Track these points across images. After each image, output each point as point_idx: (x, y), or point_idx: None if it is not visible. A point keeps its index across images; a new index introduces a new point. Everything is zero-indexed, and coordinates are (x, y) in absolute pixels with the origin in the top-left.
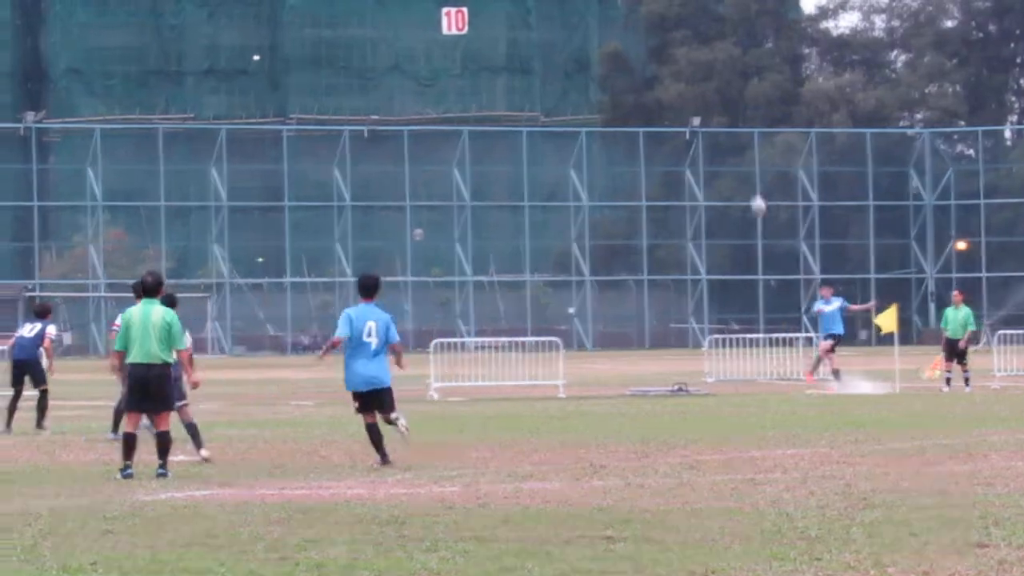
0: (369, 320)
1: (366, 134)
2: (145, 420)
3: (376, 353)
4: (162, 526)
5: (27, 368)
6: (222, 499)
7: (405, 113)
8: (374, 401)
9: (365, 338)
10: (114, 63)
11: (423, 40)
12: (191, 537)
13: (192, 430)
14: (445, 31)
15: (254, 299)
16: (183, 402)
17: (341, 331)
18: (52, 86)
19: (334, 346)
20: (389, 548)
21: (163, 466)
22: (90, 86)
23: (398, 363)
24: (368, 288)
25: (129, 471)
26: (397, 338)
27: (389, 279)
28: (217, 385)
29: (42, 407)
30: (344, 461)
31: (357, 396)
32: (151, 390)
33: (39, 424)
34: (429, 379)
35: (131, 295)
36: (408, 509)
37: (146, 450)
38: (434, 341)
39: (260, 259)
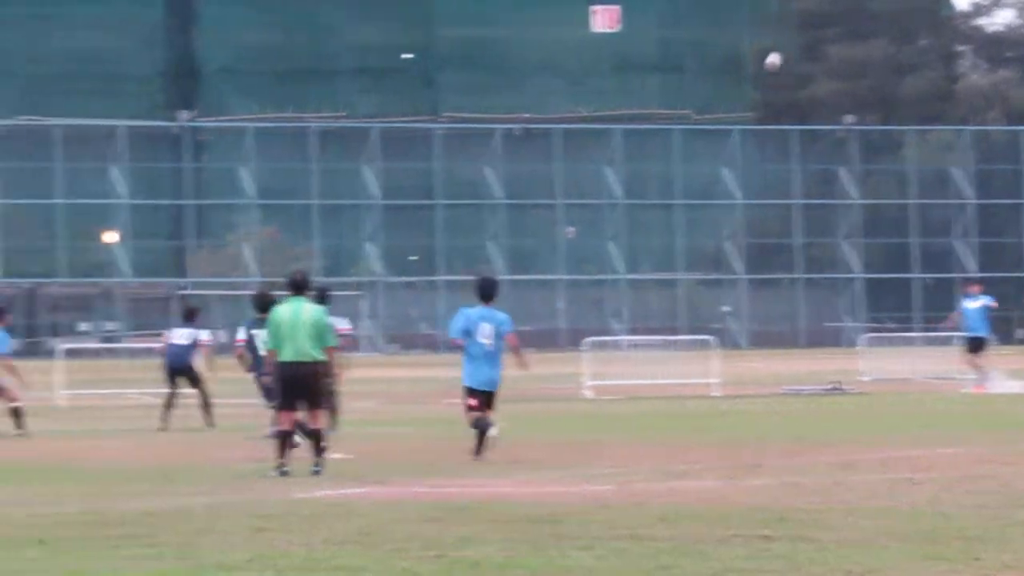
0: (484, 322)
1: (518, 132)
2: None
3: (493, 354)
4: (316, 524)
5: (182, 372)
6: (376, 497)
7: (556, 111)
8: (487, 400)
9: (480, 339)
10: (266, 61)
11: (574, 38)
12: (345, 535)
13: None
14: (596, 29)
15: (407, 297)
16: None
17: (453, 331)
18: (204, 85)
19: (457, 346)
20: (543, 546)
21: (317, 464)
22: (242, 85)
23: (521, 364)
24: (487, 293)
25: (284, 469)
26: (512, 337)
27: (541, 277)
28: (370, 383)
29: (205, 406)
30: (498, 459)
31: (474, 393)
32: (303, 388)
33: (207, 423)
34: (582, 378)
35: (285, 294)
36: (563, 507)
37: (297, 449)
38: (587, 339)
39: (413, 257)
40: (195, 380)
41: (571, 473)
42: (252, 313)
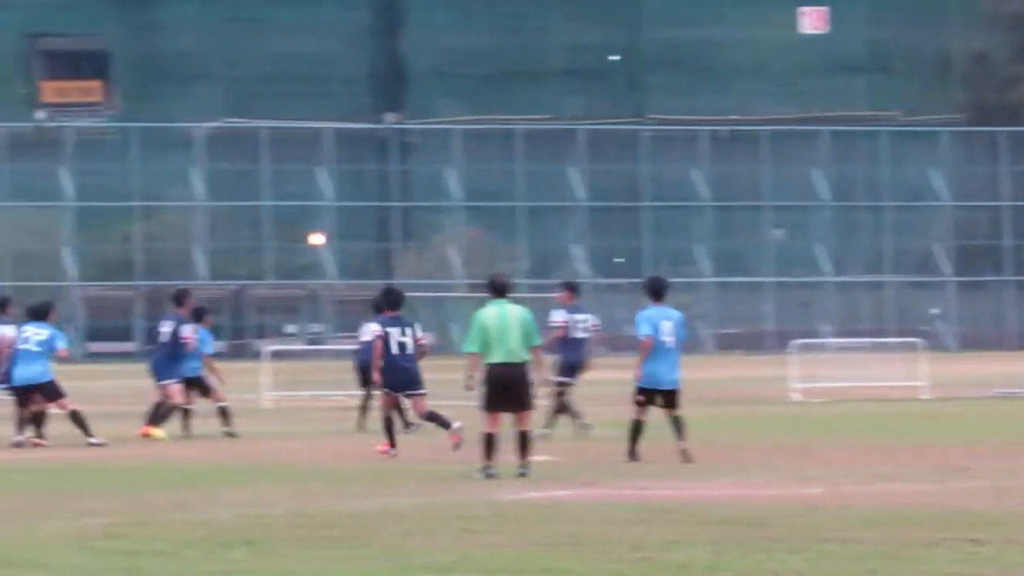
0: (665, 320)
1: (724, 134)
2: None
3: (673, 352)
4: (524, 526)
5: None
6: (583, 499)
7: (763, 113)
8: (666, 400)
9: (663, 337)
10: (473, 63)
11: (782, 39)
12: (553, 537)
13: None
14: (803, 30)
15: (613, 299)
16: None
17: (644, 331)
18: (411, 87)
19: (647, 347)
20: (751, 549)
21: (524, 466)
22: (449, 87)
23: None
24: (660, 291)
25: (491, 471)
26: (686, 337)
27: (748, 280)
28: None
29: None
30: (705, 461)
31: (648, 392)
32: (513, 390)
33: (406, 426)
34: (789, 380)
35: (488, 296)
36: (770, 510)
37: (483, 450)
38: (795, 342)
39: (619, 259)
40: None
41: (779, 475)
42: (462, 312)
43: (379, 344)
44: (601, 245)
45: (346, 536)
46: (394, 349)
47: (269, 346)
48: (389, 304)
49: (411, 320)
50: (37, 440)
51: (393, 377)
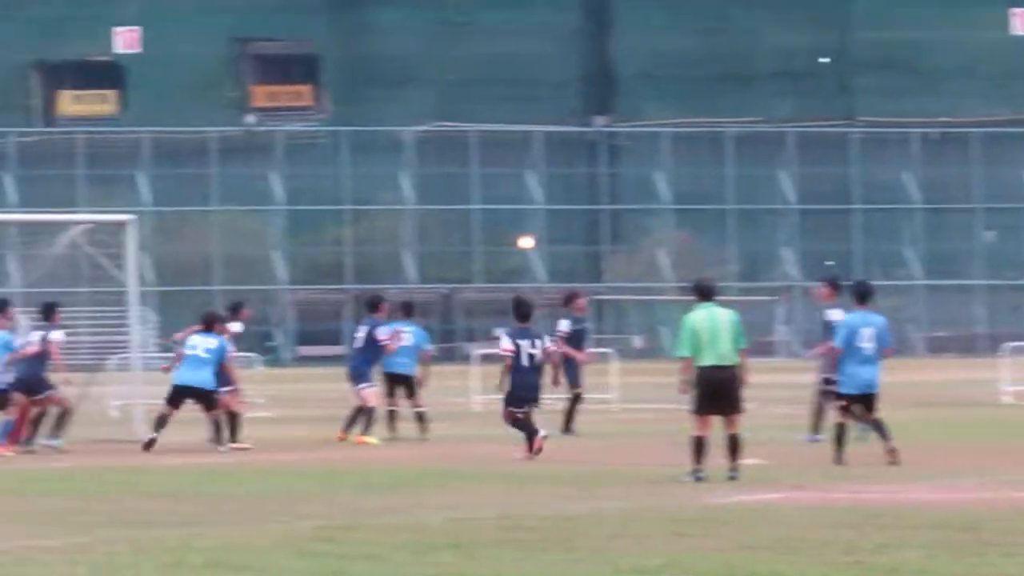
0: (866, 327)
1: (936, 136)
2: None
3: (872, 358)
4: (733, 529)
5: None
6: (794, 502)
7: (974, 114)
8: (865, 404)
9: (862, 343)
10: (682, 66)
11: (993, 41)
12: (762, 540)
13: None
14: (1016, 31)
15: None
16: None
17: (837, 340)
18: (620, 90)
19: (835, 352)
20: (963, 553)
21: (733, 469)
22: (658, 90)
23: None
24: (865, 295)
25: (700, 474)
26: (891, 343)
27: (959, 282)
28: (785, 388)
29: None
30: (916, 465)
31: (850, 398)
32: (723, 393)
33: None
34: (1001, 383)
35: (695, 299)
36: (982, 514)
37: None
38: (1007, 344)
39: (829, 262)
40: (572, 382)
41: (990, 479)
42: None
43: (510, 361)
44: (811, 248)
45: (554, 538)
46: (524, 361)
47: (478, 349)
48: (518, 316)
49: (540, 332)
50: (238, 445)
51: (520, 392)
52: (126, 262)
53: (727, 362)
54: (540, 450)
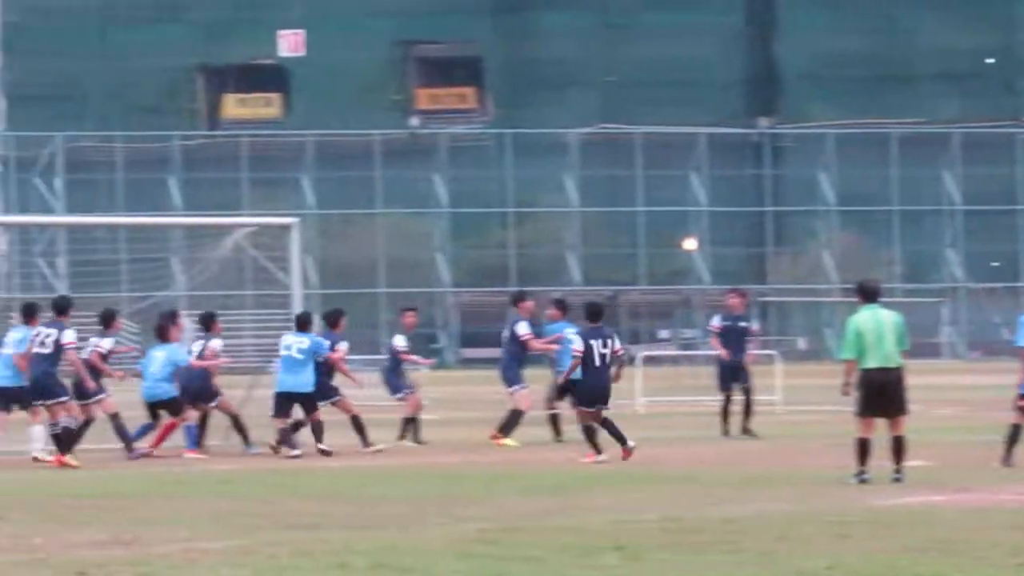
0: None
1: None
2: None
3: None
4: (897, 531)
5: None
6: (959, 504)
7: None
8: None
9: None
10: (846, 67)
11: None
12: (926, 542)
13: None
14: None
15: (989, 304)
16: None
17: (1020, 340)
18: (785, 91)
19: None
20: None
21: (898, 471)
22: (823, 90)
23: None
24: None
25: (865, 476)
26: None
27: None
28: (952, 390)
29: (747, 411)
30: None
31: None
32: (888, 394)
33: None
34: None
35: (858, 301)
36: None
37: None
38: None
39: (995, 263)
40: (742, 381)
41: None
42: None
43: (578, 360)
44: (976, 249)
45: (718, 541)
46: (596, 362)
47: (642, 351)
48: (590, 316)
49: (611, 331)
50: (324, 448)
51: (592, 391)
52: (290, 265)
53: (891, 364)
54: (627, 458)
